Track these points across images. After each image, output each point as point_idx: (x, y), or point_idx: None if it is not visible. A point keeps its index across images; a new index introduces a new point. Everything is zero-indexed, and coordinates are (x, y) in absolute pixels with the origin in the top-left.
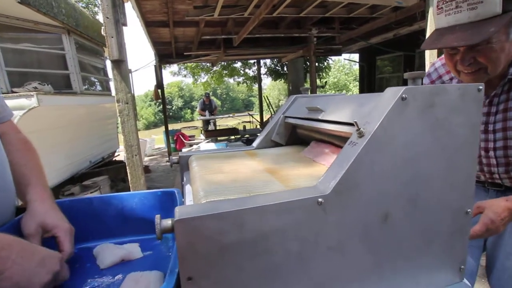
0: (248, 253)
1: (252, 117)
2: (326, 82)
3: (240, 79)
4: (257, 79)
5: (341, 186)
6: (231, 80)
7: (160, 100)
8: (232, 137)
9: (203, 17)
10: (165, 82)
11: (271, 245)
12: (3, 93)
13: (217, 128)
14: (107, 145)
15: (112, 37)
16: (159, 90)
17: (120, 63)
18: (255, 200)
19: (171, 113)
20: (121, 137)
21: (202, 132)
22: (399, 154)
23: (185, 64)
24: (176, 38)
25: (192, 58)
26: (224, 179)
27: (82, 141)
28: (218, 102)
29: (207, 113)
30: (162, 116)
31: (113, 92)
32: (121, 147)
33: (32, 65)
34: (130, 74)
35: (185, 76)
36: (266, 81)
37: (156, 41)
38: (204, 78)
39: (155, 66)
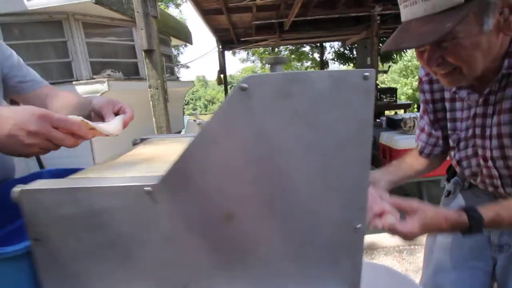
0: (82, 226)
1: None
2: (389, 66)
3: (308, 63)
4: (321, 63)
5: (170, 178)
6: (299, 65)
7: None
8: None
9: (249, 2)
10: (239, 68)
11: (104, 223)
12: (87, 79)
13: None
14: (174, 126)
15: (142, 29)
16: (222, 76)
17: (150, 53)
18: (94, 181)
19: None
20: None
21: None
22: (243, 151)
23: (253, 49)
24: (234, 24)
25: (251, 43)
26: (131, 159)
27: (150, 121)
28: None
29: None
30: None
31: (181, 77)
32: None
33: (109, 55)
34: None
35: (253, 62)
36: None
37: (216, 28)
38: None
39: (218, 52)
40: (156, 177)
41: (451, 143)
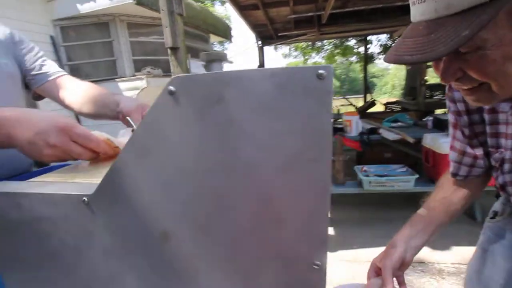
0: (25, 233)
1: (348, 100)
2: None
3: (353, 58)
4: (365, 58)
5: (104, 189)
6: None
7: None
8: None
9: None
10: (283, 64)
11: (45, 231)
12: (129, 76)
13: None
14: None
15: (167, 27)
16: None
17: (175, 50)
18: (37, 187)
19: None
20: None
21: None
22: (174, 165)
23: (295, 44)
24: (271, 19)
25: (290, 38)
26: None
27: None
28: (337, 83)
29: None
30: None
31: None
32: None
33: (150, 53)
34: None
35: (295, 57)
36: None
37: (254, 24)
38: (314, 58)
39: (257, 48)
40: (87, 186)
41: (492, 162)
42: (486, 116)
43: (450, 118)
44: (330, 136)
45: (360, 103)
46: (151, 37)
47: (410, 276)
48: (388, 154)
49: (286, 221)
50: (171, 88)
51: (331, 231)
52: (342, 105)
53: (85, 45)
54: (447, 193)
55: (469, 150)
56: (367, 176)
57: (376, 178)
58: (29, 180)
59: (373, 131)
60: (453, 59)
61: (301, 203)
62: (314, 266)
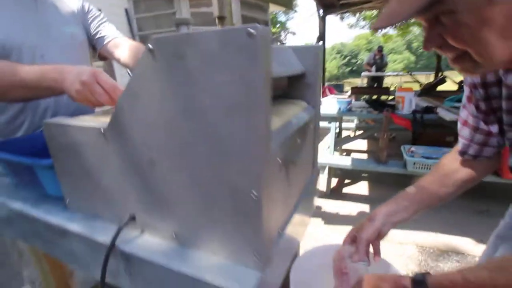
0: (70, 152)
1: (413, 76)
2: None
3: None
4: None
5: (113, 124)
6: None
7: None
8: (365, 96)
9: None
10: (351, 35)
11: (82, 152)
12: None
13: (383, 86)
14: None
15: None
16: (321, 43)
17: (222, 20)
18: (75, 121)
19: (354, 68)
20: None
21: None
22: (154, 107)
23: (363, 13)
24: None
25: (354, 6)
26: None
27: None
28: (412, 58)
29: (373, 68)
30: (346, 69)
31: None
32: None
33: (209, 23)
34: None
35: (362, 27)
36: None
37: None
38: (385, 29)
39: (318, 17)
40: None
41: (507, 143)
42: (504, 90)
43: (466, 91)
44: (263, 89)
45: (431, 80)
46: (210, 7)
47: (443, 264)
48: (451, 137)
49: (231, 157)
50: (150, 46)
51: (366, 208)
52: (407, 81)
53: (153, 16)
54: (445, 174)
55: (482, 126)
56: (413, 157)
57: (421, 160)
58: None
59: (429, 109)
60: (433, 24)
61: (242, 144)
62: (252, 196)
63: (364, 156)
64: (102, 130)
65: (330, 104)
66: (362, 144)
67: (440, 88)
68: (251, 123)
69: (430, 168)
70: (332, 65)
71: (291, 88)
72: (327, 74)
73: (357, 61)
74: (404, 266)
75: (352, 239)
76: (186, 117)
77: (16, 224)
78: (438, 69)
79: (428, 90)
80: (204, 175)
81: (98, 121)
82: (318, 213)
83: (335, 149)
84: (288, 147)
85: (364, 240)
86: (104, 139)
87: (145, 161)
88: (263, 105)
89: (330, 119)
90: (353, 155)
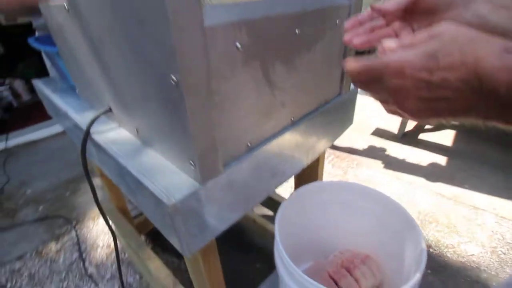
0: (59, 39)
1: None
2: None
3: None
4: None
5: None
6: None
7: None
8: None
9: None
10: None
11: (63, 36)
12: None
13: None
14: None
15: None
16: None
17: None
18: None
19: None
20: None
21: None
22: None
23: None
24: None
25: None
26: None
27: None
28: None
29: None
30: None
31: None
32: None
33: None
34: None
35: None
36: None
37: None
38: None
39: None
40: None
41: None
42: None
43: None
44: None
45: None
46: None
47: None
48: None
49: (147, 27)
50: None
51: (442, 161)
52: None
53: None
54: None
55: None
56: None
57: None
58: None
59: None
60: None
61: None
62: (172, 82)
63: None
64: (66, 6)
65: None
66: None
67: None
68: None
69: None
70: None
71: None
72: None
73: None
74: (471, 235)
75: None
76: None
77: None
78: None
79: None
80: (132, 59)
81: None
82: (379, 155)
83: None
84: (270, 34)
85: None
86: (69, 16)
87: (96, 42)
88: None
89: None
90: None
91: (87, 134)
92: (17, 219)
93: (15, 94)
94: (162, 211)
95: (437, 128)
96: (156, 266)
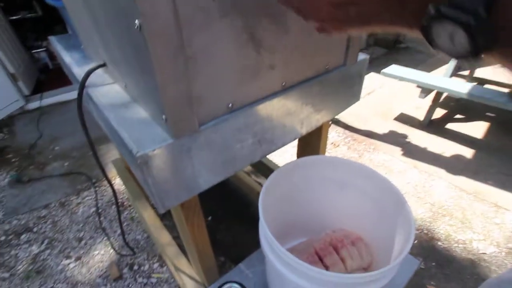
0: None
1: None
2: None
3: None
4: None
5: None
6: None
7: None
8: None
9: None
10: None
11: None
12: None
13: None
14: None
15: None
16: None
17: None
18: None
19: None
20: None
21: None
22: None
23: None
24: None
25: None
26: None
27: None
28: None
29: None
30: None
31: None
32: None
33: None
34: None
35: None
36: None
37: None
38: None
39: None
40: None
41: None
42: None
43: None
44: None
45: None
46: None
47: None
48: None
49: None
50: None
51: (467, 153)
52: None
53: None
54: None
55: None
56: None
57: None
58: None
59: None
60: None
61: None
62: (136, 27)
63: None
64: None
65: None
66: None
67: None
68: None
69: None
70: None
71: None
72: None
73: None
74: (486, 233)
75: None
76: None
77: None
78: None
79: None
80: (109, 7)
81: None
82: (399, 141)
83: (456, 72)
84: None
85: None
86: None
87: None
88: None
89: None
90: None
91: (82, 86)
92: (45, 172)
93: (51, 56)
94: (135, 162)
95: (468, 118)
96: (156, 226)
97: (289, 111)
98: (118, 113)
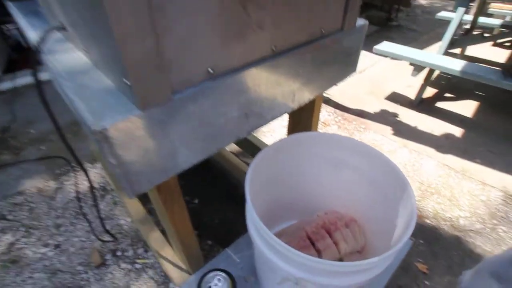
0: None
1: None
2: None
3: None
4: None
5: None
6: None
7: None
8: None
9: None
10: None
11: None
12: None
13: None
14: None
15: None
16: None
17: None
18: None
19: None
20: None
21: None
22: None
23: None
24: None
25: None
26: None
27: None
28: None
29: None
30: None
31: None
32: None
33: None
34: None
35: None
36: None
37: None
38: None
39: None
40: None
41: None
42: None
43: None
44: None
45: None
46: None
47: None
48: None
49: None
50: None
51: (456, 132)
52: None
53: None
54: None
55: None
56: None
57: None
58: None
59: None
60: None
61: None
62: None
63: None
64: None
65: None
66: (499, 54)
67: None
68: None
69: None
70: None
71: None
72: None
73: None
74: (473, 210)
75: None
76: None
77: None
78: None
79: None
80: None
81: None
82: (390, 120)
83: (448, 50)
84: None
85: None
86: None
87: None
88: None
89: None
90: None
91: (37, 51)
92: (21, 157)
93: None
94: (94, 138)
95: (458, 97)
96: (138, 212)
97: (279, 81)
98: (76, 80)
